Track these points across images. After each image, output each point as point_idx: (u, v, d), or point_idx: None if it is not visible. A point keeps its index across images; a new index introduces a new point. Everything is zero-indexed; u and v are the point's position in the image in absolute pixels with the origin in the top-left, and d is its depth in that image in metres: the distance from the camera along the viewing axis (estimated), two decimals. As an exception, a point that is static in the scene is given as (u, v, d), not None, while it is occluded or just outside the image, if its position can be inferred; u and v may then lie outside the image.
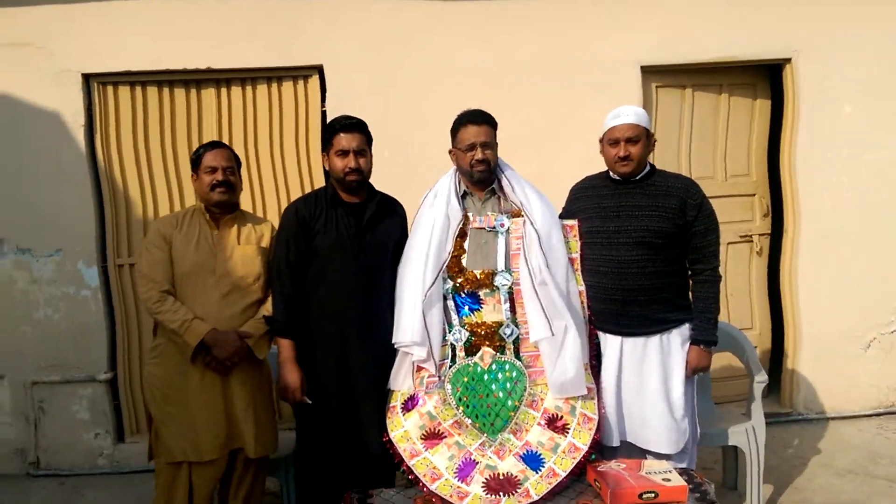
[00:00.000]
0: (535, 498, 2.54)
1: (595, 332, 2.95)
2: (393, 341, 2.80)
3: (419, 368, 2.82)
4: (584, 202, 3.02)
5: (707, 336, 2.88)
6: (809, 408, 4.49)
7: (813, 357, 4.47)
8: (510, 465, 2.64)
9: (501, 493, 2.54)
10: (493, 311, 2.81)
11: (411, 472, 2.66)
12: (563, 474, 2.62)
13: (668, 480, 2.56)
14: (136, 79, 4.16)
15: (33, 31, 4.02)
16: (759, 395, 3.37)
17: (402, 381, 2.83)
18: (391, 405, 2.84)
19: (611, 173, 2.98)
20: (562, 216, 3.02)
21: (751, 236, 4.62)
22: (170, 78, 4.18)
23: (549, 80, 4.26)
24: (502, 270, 2.80)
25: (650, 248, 2.84)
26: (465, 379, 2.78)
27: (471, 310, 2.81)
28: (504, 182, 2.90)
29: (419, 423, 2.75)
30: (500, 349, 2.79)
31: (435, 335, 2.77)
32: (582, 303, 2.91)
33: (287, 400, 2.90)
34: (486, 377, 2.77)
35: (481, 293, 2.81)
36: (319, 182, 4.27)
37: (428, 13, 4.20)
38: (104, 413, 4.22)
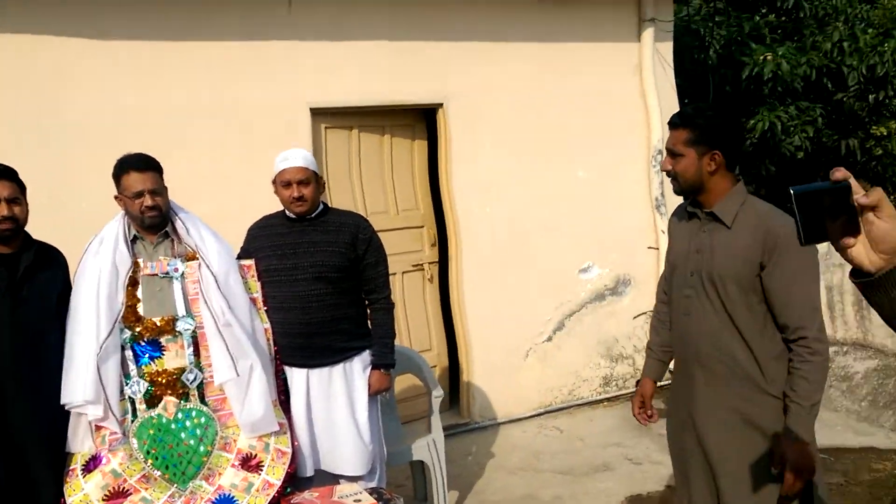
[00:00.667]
0: (232, 541, 2.51)
1: (282, 368, 3.00)
2: (62, 402, 2.58)
3: (98, 427, 2.63)
4: (262, 241, 3.08)
5: (385, 360, 3.09)
6: (484, 416, 4.96)
7: (483, 370, 4.95)
8: (202, 513, 2.58)
9: (194, 541, 2.47)
10: (175, 357, 2.72)
11: (93, 538, 2.47)
12: (259, 513, 2.62)
13: (359, 501, 2.69)
14: None
15: None
16: (437, 409, 3.66)
17: (80, 443, 2.63)
18: (70, 468, 2.62)
19: (286, 212, 3.08)
20: (240, 256, 3.04)
21: (422, 265, 5.02)
22: None
23: (224, 121, 4.25)
24: (184, 316, 2.74)
25: (327, 281, 2.98)
26: (151, 431, 2.66)
27: (151, 358, 2.70)
28: (178, 225, 2.84)
29: (102, 484, 2.58)
30: (184, 396, 2.72)
31: (111, 391, 2.61)
32: (268, 340, 2.94)
33: None
34: (173, 426, 2.68)
35: (163, 340, 2.71)
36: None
37: (84, 50, 3.95)
38: None
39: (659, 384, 2.64)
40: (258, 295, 2.98)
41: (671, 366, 2.54)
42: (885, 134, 7.32)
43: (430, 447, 3.55)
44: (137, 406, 2.67)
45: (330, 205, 4.33)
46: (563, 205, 5.14)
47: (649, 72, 5.39)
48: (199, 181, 3.97)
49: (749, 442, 2.20)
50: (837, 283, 5.17)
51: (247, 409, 2.74)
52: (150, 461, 2.64)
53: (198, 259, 2.79)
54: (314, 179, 3.02)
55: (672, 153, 2.22)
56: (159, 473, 2.64)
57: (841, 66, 6.85)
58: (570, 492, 3.87)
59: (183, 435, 2.69)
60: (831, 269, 5.19)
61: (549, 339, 5.14)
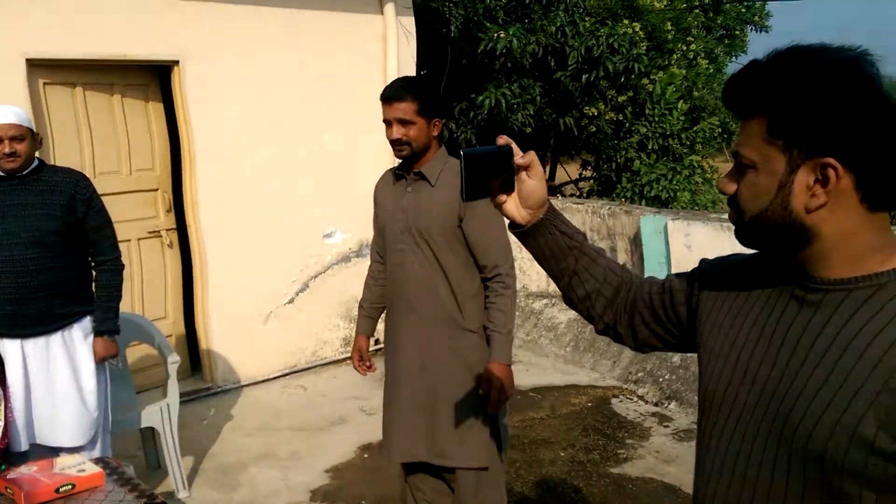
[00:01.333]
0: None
1: (-4, 341, 2.81)
2: None
3: None
4: None
5: (108, 326, 3.01)
6: (227, 380, 4.96)
7: (224, 336, 4.93)
8: None
9: None
10: None
11: None
12: (-34, 493, 2.46)
13: (83, 471, 2.61)
14: None
15: None
16: (175, 375, 3.61)
17: None
18: None
19: None
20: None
21: (159, 231, 4.85)
22: None
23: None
24: None
25: (44, 246, 2.84)
26: None
27: None
28: None
29: None
30: None
31: None
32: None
33: None
34: None
35: None
36: None
37: None
38: None
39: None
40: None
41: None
42: (595, 114, 8.23)
43: (161, 412, 3.49)
44: None
45: (53, 162, 4.10)
46: (307, 170, 5.21)
47: (392, 43, 5.61)
48: None
49: (456, 370, 2.52)
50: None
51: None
52: None
53: None
54: (29, 136, 2.86)
55: (403, 122, 2.43)
56: None
57: (564, 45, 7.58)
58: (307, 445, 4.03)
59: None
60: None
61: (291, 301, 5.23)
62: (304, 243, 5.24)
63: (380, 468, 3.69)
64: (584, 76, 7.72)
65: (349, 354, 5.37)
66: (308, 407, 4.59)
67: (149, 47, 4.57)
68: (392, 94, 2.44)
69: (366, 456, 3.93)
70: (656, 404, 4.52)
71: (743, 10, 12.55)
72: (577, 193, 9.70)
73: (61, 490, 2.49)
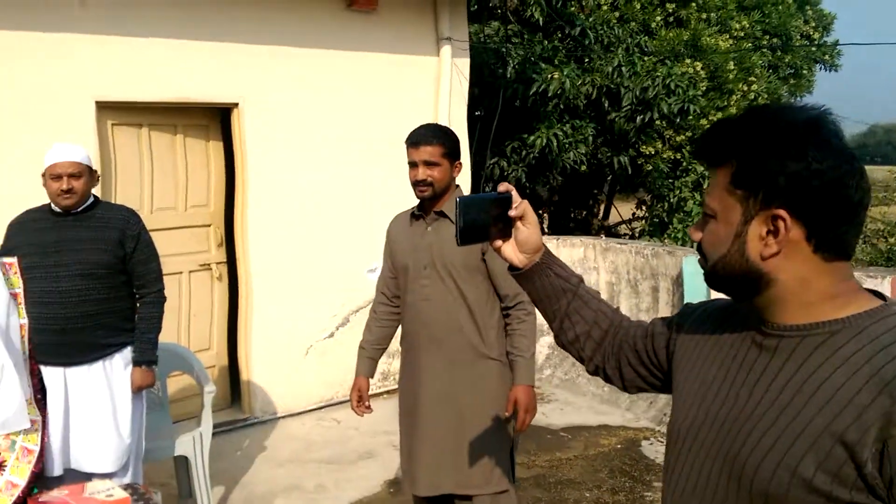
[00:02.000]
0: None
1: (37, 367, 3.01)
2: None
3: None
4: (24, 236, 3.08)
5: (146, 357, 3.18)
6: (265, 411, 5.13)
7: (264, 368, 5.12)
8: (-60, 515, 2.58)
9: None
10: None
11: None
12: (2, 512, 2.65)
13: (111, 496, 2.77)
14: None
15: None
16: (209, 404, 3.77)
17: None
18: None
19: (52, 206, 3.09)
20: (2, 253, 3.02)
21: (209, 265, 5.09)
22: None
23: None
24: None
25: (93, 278, 3.04)
26: None
27: None
28: None
29: None
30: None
31: None
32: (22, 337, 2.94)
33: None
34: None
35: None
36: None
37: None
38: None
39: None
40: (20, 290, 2.97)
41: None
42: (651, 153, 8.21)
43: (194, 441, 3.66)
44: None
45: (115, 199, 4.38)
46: (353, 207, 5.39)
47: (445, 84, 5.79)
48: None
49: (480, 398, 2.68)
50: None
51: (-2, 408, 2.75)
52: None
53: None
54: (87, 173, 3.07)
55: (429, 163, 2.63)
56: None
57: (620, 86, 7.61)
58: (334, 479, 4.15)
59: None
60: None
61: (332, 335, 5.39)
62: (347, 278, 5.40)
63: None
64: (638, 117, 7.73)
65: (384, 388, 5.51)
66: (339, 440, 4.72)
67: (211, 91, 4.85)
68: (420, 138, 2.65)
69: (391, 491, 4.01)
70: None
71: (813, 49, 12.28)
72: (630, 234, 9.64)
73: (88, 514, 2.66)
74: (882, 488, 0.94)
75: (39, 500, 2.72)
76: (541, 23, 7.61)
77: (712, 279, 1.16)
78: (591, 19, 8.25)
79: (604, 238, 7.33)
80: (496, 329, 2.71)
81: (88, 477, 3.02)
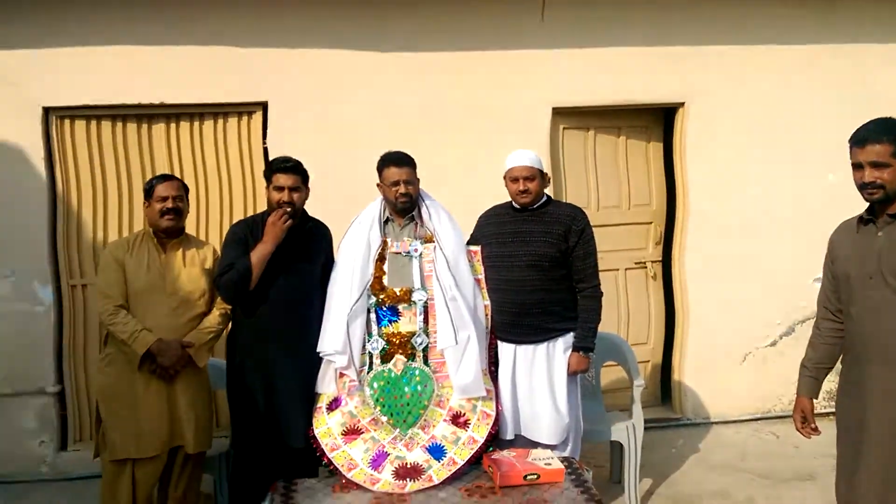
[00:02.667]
0: (437, 482, 2.98)
1: (495, 342, 3.43)
2: (318, 350, 3.23)
3: (342, 374, 3.25)
4: (488, 228, 3.54)
5: (585, 343, 3.40)
6: (697, 413, 5.05)
7: (697, 369, 5.04)
8: (417, 456, 3.10)
9: (408, 479, 2.99)
10: (408, 322, 3.28)
11: (331, 463, 3.09)
12: (462, 462, 3.07)
13: (549, 465, 3.04)
14: (93, 113, 4.52)
15: (5, 69, 4.37)
16: (638, 398, 3.87)
17: (326, 385, 3.26)
18: (317, 406, 3.26)
19: (513, 203, 3.50)
20: (470, 241, 3.52)
21: (644, 263, 5.19)
22: (124, 112, 4.57)
23: (470, 120, 4.77)
24: (419, 288, 3.28)
25: (539, 269, 3.36)
26: (381, 383, 3.23)
27: (389, 321, 3.28)
28: (423, 210, 3.38)
29: (341, 421, 3.18)
30: (411, 357, 3.25)
31: (355, 345, 3.20)
32: (487, 316, 3.39)
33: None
34: (399, 381, 3.23)
35: (400, 307, 3.28)
36: (262, 208, 4.67)
37: (362, 62, 4.69)
38: (50, 422, 4.51)
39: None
40: (481, 277, 3.44)
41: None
42: None
43: (628, 430, 3.79)
44: (374, 360, 3.26)
45: (565, 197, 4.76)
46: (802, 209, 5.02)
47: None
48: (445, 171, 4.51)
49: None
50: None
51: (460, 374, 3.21)
52: (378, 407, 3.21)
53: (434, 242, 3.31)
54: (539, 175, 3.42)
55: (877, 165, 2.36)
56: (385, 419, 3.19)
57: None
58: (765, 494, 3.91)
59: (406, 389, 3.23)
60: None
61: (773, 344, 5.08)
62: (790, 286, 5.04)
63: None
64: None
65: (831, 409, 4.98)
66: (776, 455, 4.43)
67: (657, 92, 4.96)
68: (866, 136, 2.38)
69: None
70: None
71: None
72: None
73: (528, 478, 2.95)
74: None
75: (493, 456, 3.11)
76: None
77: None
78: None
79: None
80: None
81: (534, 445, 3.34)
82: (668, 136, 5.19)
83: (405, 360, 3.26)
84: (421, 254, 3.33)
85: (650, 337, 5.23)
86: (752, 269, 5.02)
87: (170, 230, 3.37)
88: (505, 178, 3.48)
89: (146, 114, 4.62)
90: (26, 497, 4.26)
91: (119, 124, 4.61)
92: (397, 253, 3.35)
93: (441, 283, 3.23)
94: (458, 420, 3.21)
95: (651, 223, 5.24)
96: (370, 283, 3.27)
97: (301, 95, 4.65)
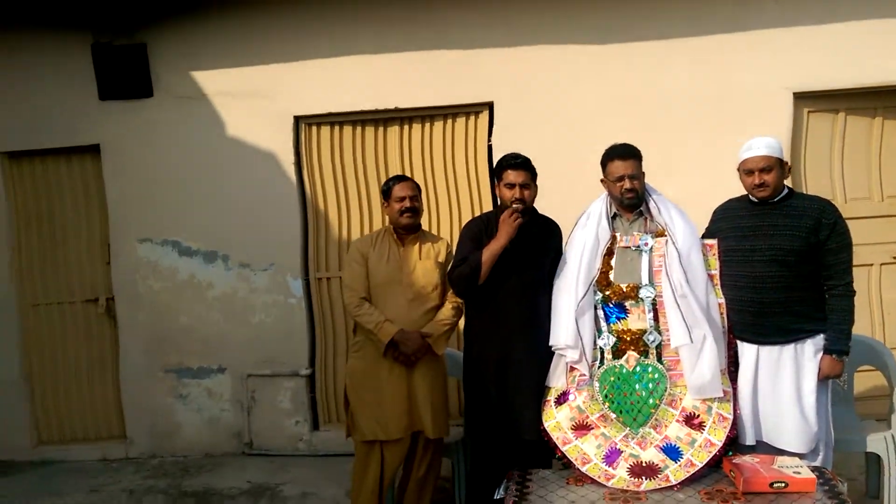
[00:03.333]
0: (674, 483, 2.90)
1: (734, 341, 3.26)
2: (550, 344, 3.26)
3: (572, 368, 3.25)
4: (724, 223, 3.35)
5: (839, 346, 3.12)
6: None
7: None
8: (652, 455, 3.02)
9: (644, 477, 2.93)
10: (637, 319, 3.20)
11: (565, 457, 3.11)
12: (700, 465, 2.96)
13: (799, 473, 2.83)
14: (335, 120, 4.91)
15: (257, 83, 4.87)
16: (905, 407, 3.50)
17: (556, 379, 3.28)
18: (546, 399, 3.29)
19: (750, 196, 3.30)
20: (704, 235, 3.36)
21: (904, 255, 4.68)
22: (362, 118, 4.91)
23: (702, 108, 4.57)
24: (646, 284, 3.19)
25: (783, 265, 3.13)
26: (612, 378, 3.18)
27: (618, 318, 3.22)
28: (651, 205, 3.28)
29: (569, 416, 3.19)
30: (644, 353, 3.18)
31: (586, 340, 3.19)
32: (721, 314, 3.22)
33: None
34: (631, 378, 3.17)
35: (627, 304, 3.21)
36: (487, 205, 4.82)
37: (586, 55, 4.65)
38: (303, 403, 4.97)
39: None
40: (716, 272, 3.27)
41: None
42: None
43: (887, 441, 3.44)
44: (605, 356, 3.21)
45: (805, 189, 4.40)
46: None
47: None
48: (674, 164, 4.38)
49: None
50: None
51: (696, 373, 3.08)
52: (606, 404, 3.17)
53: (666, 236, 3.21)
54: (777, 166, 3.18)
55: None
56: (614, 416, 3.15)
57: None
58: None
59: (637, 386, 3.16)
60: None
61: None
62: None
63: None
64: None
65: None
66: None
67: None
68: None
69: None
70: None
71: None
72: None
73: (775, 486, 2.78)
74: None
75: (733, 461, 2.96)
76: None
77: None
78: None
79: None
80: None
81: (779, 452, 3.13)
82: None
83: (637, 356, 3.19)
84: (651, 248, 3.23)
85: (914, 339, 4.69)
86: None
87: (409, 227, 3.58)
88: (739, 170, 3.29)
89: (382, 118, 4.92)
90: (286, 471, 4.73)
91: (358, 129, 4.95)
92: (626, 247, 3.27)
93: (671, 278, 3.13)
94: (692, 421, 3.09)
95: (908, 214, 4.71)
96: (596, 277, 3.23)
97: (526, 93, 4.71)
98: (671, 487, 2.89)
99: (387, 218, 3.73)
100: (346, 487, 4.24)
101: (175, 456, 5.07)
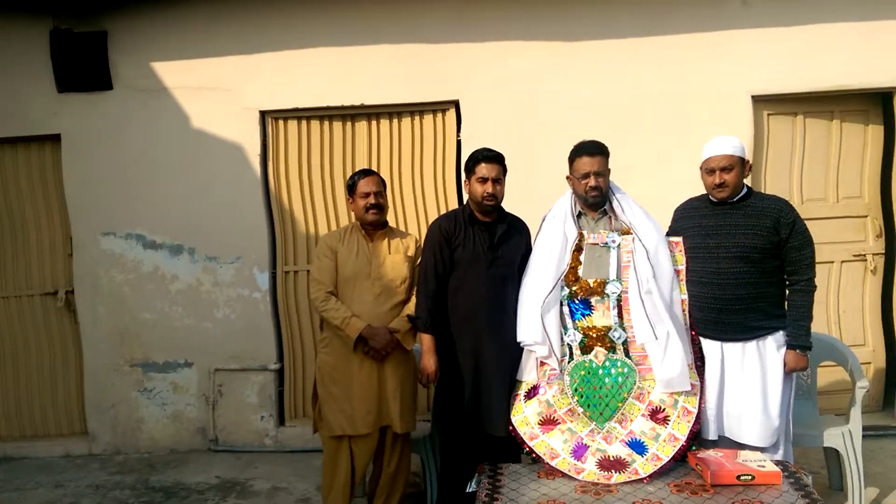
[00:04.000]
0: (643, 475, 2.92)
1: (697, 338, 3.29)
2: (518, 340, 3.27)
3: (542, 363, 3.27)
4: (687, 221, 3.39)
5: (801, 341, 3.18)
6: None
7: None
8: (618, 450, 3.05)
9: (613, 471, 2.96)
10: (602, 316, 3.21)
11: (533, 451, 3.12)
12: (666, 459, 2.99)
13: (763, 467, 2.88)
14: (302, 114, 4.87)
15: (221, 76, 4.81)
16: (860, 400, 3.58)
17: (528, 374, 3.30)
18: (516, 393, 3.30)
19: (709, 196, 3.34)
20: (669, 233, 3.39)
21: (864, 255, 4.78)
22: (329, 113, 4.87)
23: (663, 110, 4.63)
24: (613, 280, 3.21)
25: (748, 261, 3.18)
26: (582, 373, 3.20)
27: (582, 315, 3.23)
28: (615, 204, 3.30)
29: (537, 410, 3.20)
30: (612, 349, 3.20)
31: (553, 335, 3.20)
32: (684, 311, 3.26)
33: (422, 383, 3.45)
34: (600, 372, 3.18)
35: (593, 300, 3.22)
36: (452, 202, 4.82)
37: (552, 53, 4.68)
38: (269, 398, 4.92)
39: None
40: (682, 268, 3.31)
41: None
42: None
43: (844, 436, 3.52)
44: (574, 351, 3.23)
45: (764, 190, 4.47)
46: None
47: None
48: (637, 164, 4.43)
49: None
50: None
51: (664, 367, 3.11)
52: (575, 398, 3.19)
53: (632, 234, 3.23)
54: (739, 165, 3.23)
55: None
56: (582, 410, 3.16)
57: None
58: None
59: (607, 380, 3.18)
60: None
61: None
62: None
63: None
64: None
65: None
66: None
67: (870, 76, 4.57)
68: None
69: None
70: None
71: None
72: None
73: (742, 478, 2.82)
74: None
75: (698, 455, 3.00)
76: None
77: None
78: None
79: None
80: None
81: (740, 447, 3.18)
82: (889, 120, 4.73)
83: (605, 352, 3.21)
84: (619, 244, 3.26)
85: (867, 337, 4.81)
86: None
87: (375, 223, 3.55)
88: (701, 168, 3.33)
89: (350, 113, 4.88)
90: (254, 466, 4.68)
91: (326, 123, 4.91)
92: (594, 244, 3.29)
93: (638, 274, 3.15)
94: (656, 416, 3.12)
95: (867, 216, 4.82)
96: (565, 273, 3.24)
97: (492, 90, 4.72)
98: (640, 480, 2.92)
99: (352, 214, 3.69)
100: (315, 482, 4.22)
101: (139, 452, 4.99)
